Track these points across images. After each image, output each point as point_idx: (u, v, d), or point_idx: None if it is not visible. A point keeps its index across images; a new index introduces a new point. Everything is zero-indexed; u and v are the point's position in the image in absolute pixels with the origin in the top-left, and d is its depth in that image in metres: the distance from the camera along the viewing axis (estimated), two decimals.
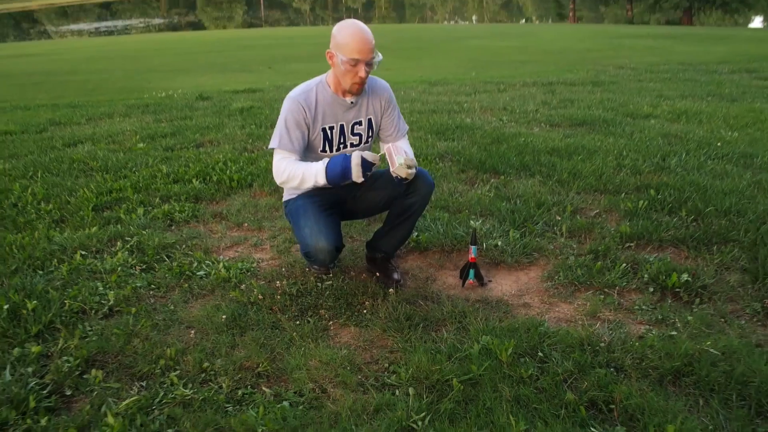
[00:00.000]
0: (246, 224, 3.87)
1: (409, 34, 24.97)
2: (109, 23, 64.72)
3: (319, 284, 3.02)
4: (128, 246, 3.47)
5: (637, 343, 2.42)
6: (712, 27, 33.97)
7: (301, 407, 2.13)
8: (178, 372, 2.34)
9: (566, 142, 5.35)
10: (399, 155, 2.65)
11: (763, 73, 10.45)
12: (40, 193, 4.38)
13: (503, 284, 3.06)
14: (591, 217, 3.76)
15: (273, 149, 2.83)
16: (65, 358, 2.42)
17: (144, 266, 3.25)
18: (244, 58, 16.42)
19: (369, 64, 2.73)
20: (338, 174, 2.67)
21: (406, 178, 2.69)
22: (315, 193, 2.96)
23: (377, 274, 3.09)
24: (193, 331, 2.62)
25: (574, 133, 5.79)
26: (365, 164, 2.61)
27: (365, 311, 2.77)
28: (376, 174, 2.98)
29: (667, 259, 3.14)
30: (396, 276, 3.06)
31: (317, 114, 2.85)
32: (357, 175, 2.63)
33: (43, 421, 2.06)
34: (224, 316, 2.70)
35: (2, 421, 2.08)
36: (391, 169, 2.68)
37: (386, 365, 2.37)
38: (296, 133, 2.81)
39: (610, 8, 48.63)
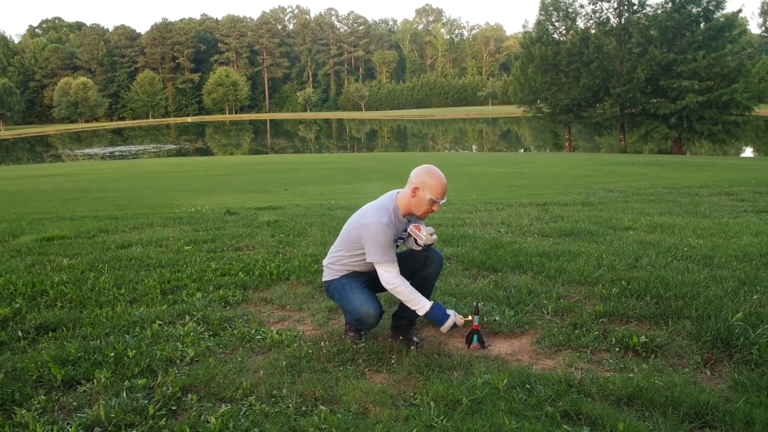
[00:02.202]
0: (288, 306, 4.68)
1: (413, 161, 26.44)
2: (123, 148, 67.56)
3: (355, 346, 3.81)
4: (195, 319, 4.28)
5: (602, 380, 3.19)
6: (699, 156, 35.72)
7: (351, 416, 2.89)
8: (254, 396, 3.10)
9: (555, 248, 6.22)
10: (422, 230, 3.73)
11: (740, 195, 11.43)
12: (111, 281, 5.21)
13: (500, 347, 3.84)
14: (572, 302, 4.56)
15: (379, 262, 3.68)
16: (165, 387, 3.19)
17: (211, 332, 4.05)
18: (260, 180, 17.63)
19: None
20: (435, 320, 3.68)
21: (431, 244, 3.76)
22: (354, 273, 3.89)
23: (400, 337, 3.89)
24: (261, 372, 3.40)
25: (562, 241, 6.67)
26: (455, 326, 3.67)
27: (393, 362, 3.55)
28: (402, 255, 3.88)
29: (632, 329, 3.93)
30: (416, 339, 3.86)
31: (396, 233, 3.74)
32: (445, 329, 3.66)
33: (162, 422, 2.82)
34: (284, 363, 3.48)
35: (130, 422, 2.84)
36: (419, 243, 3.75)
37: (412, 393, 3.14)
38: (393, 249, 3.70)
39: (605, 138, 50.93)
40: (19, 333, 4.01)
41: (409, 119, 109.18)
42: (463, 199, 11.48)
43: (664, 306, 4.32)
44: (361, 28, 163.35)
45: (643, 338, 3.71)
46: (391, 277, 3.66)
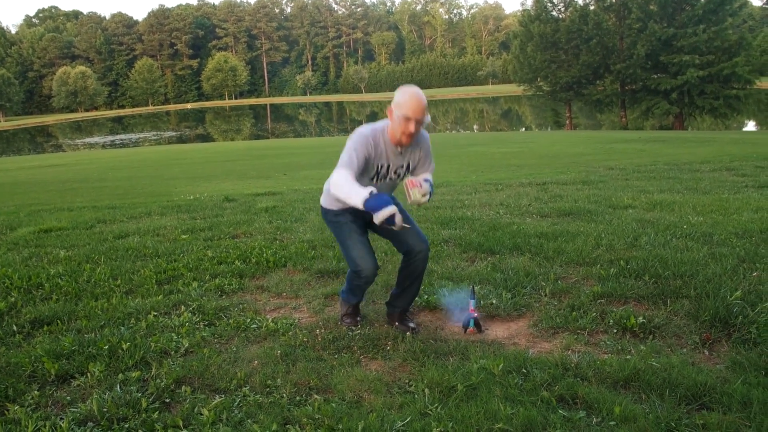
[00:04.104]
0: (285, 294, 4.65)
1: None
2: (123, 136, 67.54)
3: (350, 332, 3.78)
4: (191, 309, 4.25)
5: (599, 363, 3.16)
6: (701, 131, 35.54)
7: (345, 405, 2.87)
8: (248, 387, 3.08)
9: (553, 228, 6.18)
10: (414, 188, 3.42)
11: (741, 170, 11.36)
12: (107, 272, 5.19)
13: (497, 331, 3.82)
14: (570, 283, 4.53)
15: (338, 165, 3.46)
16: (159, 380, 3.16)
17: (207, 322, 4.03)
18: (259, 166, 17.58)
19: (419, 122, 3.43)
20: (371, 208, 3.25)
21: (419, 205, 3.51)
22: (351, 214, 3.75)
23: (396, 323, 3.86)
24: (255, 362, 3.37)
25: (561, 221, 6.62)
26: (390, 220, 3.26)
27: (389, 348, 3.52)
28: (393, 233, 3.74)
29: (630, 310, 3.90)
30: (412, 325, 3.83)
31: (378, 153, 3.55)
32: (378, 220, 3.24)
33: (155, 415, 2.80)
34: (279, 352, 3.45)
35: (122, 416, 2.82)
36: (408, 200, 3.47)
37: (407, 381, 3.11)
38: (361, 161, 3.45)
39: (606, 115, 50.70)
40: (14, 327, 3.99)
41: None
42: (462, 180, 11.43)
43: (662, 285, 4.28)
44: (359, 9, 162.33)
45: (641, 319, 3.67)
46: (336, 176, 3.43)
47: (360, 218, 3.79)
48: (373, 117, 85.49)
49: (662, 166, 12.80)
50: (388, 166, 3.64)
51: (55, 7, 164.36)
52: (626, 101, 43.93)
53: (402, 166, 3.70)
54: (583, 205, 7.39)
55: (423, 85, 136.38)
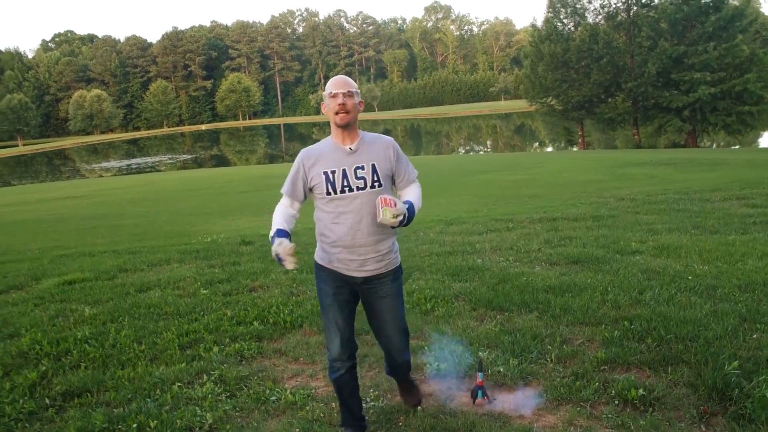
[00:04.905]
0: (302, 358, 4.86)
1: (427, 169, 26.59)
2: (139, 160, 68.43)
3: (364, 404, 3.98)
4: (212, 378, 4.48)
5: None
6: (711, 150, 35.48)
7: None
8: None
9: (561, 279, 6.36)
10: (386, 207, 3.14)
11: (752, 200, 11.48)
12: (131, 335, 5.43)
13: (504, 401, 4.00)
14: (576, 346, 4.71)
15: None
16: None
17: (228, 394, 4.24)
18: (273, 198, 17.80)
19: (348, 96, 3.26)
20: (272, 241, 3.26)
21: (392, 227, 3.26)
22: (337, 280, 3.47)
23: (399, 393, 4.01)
24: None
25: (569, 271, 6.80)
26: (278, 258, 3.21)
27: (401, 423, 3.72)
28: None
29: (631, 378, 4.07)
30: (417, 397, 3.96)
31: (318, 159, 3.34)
32: (273, 252, 3.21)
33: None
34: (297, 429, 3.66)
35: None
36: (378, 219, 3.19)
37: None
38: (292, 178, 3.40)
39: (619, 131, 50.72)
40: (47, 401, 4.23)
41: (423, 118, 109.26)
42: (473, 217, 11.61)
43: (664, 350, 4.45)
44: (370, 28, 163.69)
45: (641, 391, 3.84)
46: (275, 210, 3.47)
47: (345, 286, 3.49)
48: (386, 135, 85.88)
49: (672, 195, 12.92)
50: (344, 172, 3.33)
51: (71, 31, 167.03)
52: (638, 119, 44.00)
53: (362, 167, 3.35)
54: (591, 251, 7.56)
55: (435, 102, 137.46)
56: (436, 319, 5.51)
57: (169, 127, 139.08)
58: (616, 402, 3.83)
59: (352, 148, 3.36)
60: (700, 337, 4.59)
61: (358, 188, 3.33)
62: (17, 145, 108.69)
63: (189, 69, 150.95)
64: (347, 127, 3.33)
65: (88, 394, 4.30)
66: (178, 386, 4.37)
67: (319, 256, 3.55)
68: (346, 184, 3.32)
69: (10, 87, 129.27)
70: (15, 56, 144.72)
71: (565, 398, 3.93)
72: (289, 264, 3.16)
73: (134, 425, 3.76)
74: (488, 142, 67.87)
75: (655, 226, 9.24)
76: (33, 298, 7.01)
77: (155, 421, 3.78)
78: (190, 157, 70.20)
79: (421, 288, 6.38)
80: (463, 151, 61.40)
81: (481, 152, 59.29)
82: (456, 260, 7.57)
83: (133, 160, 68.66)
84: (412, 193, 3.55)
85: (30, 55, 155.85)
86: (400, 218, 3.17)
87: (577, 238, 8.56)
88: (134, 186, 27.77)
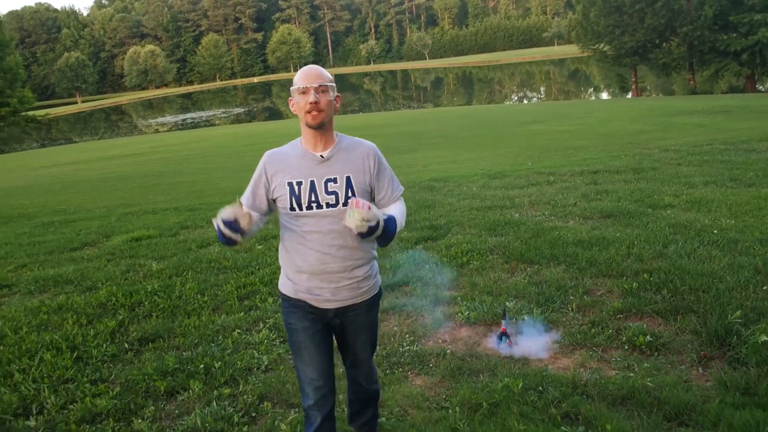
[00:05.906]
0: None
1: (474, 120, 26.75)
2: (194, 114, 69.79)
3: (401, 349, 4.50)
4: (267, 326, 5.06)
5: (604, 381, 3.79)
6: None
7: (393, 420, 3.60)
8: None
9: (591, 234, 6.72)
10: (356, 209, 2.59)
11: None
12: (195, 288, 6.04)
13: (525, 346, 4.47)
14: (596, 296, 5.13)
15: None
16: (246, 396, 3.96)
17: (281, 339, 4.81)
18: None
19: (322, 90, 2.73)
20: (219, 235, 2.69)
21: (361, 233, 2.62)
22: (309, 313, 2.93)
23: None
24: None
25: (600, 225, 7.15)
26: (223, 235, 2.66)
27: (431, 365, 4.24)
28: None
29: (643, 326, 4.49)
30: None
31: (284, 166, 2.82)
32: (216, 227, 2.65)
33: (245, 429, 3.60)
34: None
35: (220, 429, 3.63)
36: (344, 221, 2.65)
37: (444, 396, 3.82)
38: (257, 190, 2.87)
39: (675, 77, 49.51)
40: (126, 345, 4.87)
41: (474, 65, 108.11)
42: (517, 170, 11.93)
43: (677, 300, 4.84)
44: None
45: (648, 338, 4.26)
46: None
47: (318, 320, 2.95)
48: (438, 83, 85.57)
49: (719, 145, 12.96)
50: (312, 184, 2.78)
51: None
52: (694, 64, 42.87)
53: (334, 180, 2.79)
54: (624, 205, 7.87)
55: (487, 49, 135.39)
56: (470, 272, 5.97)
57: (221, 80, 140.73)
58: (626, 347, 4.26)
59: (324, 155, 2.81)
60: (712, 289, 4.95)
61: (328, 205, 2.78)
62: (76, 102, 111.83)
63: (240, 21, 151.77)
64: (320, 128, 2.77)
65: (161, 340, 4.93)
66: (238, 333, 4.95)
67: (283, 285, 3.02)
68: (313, 199, 2.77)
69: (67, 45, 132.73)
70: (71, 14, 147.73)
71: (579, 343, 4.38)
72: (243, 221, 2.62)
73: (201, 366, 4.36)
74: (541, 89, 67.04)
75: (693, 179, 9.45)
76: (105, 254, 7.71)
77: (219, 363, 4.38)
78: (243, 110, 71.29)
79: (459, 242, 6.83)
80: (516, 98, 60.90)
81: (534, 99, 58.72)
82: (494, 215, 7.98)
83: (188, 115, 70.08)
84: (395, 209, 2.93)
85: (85, 13, 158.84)
86: (371, 224, 2.61)
87: (614, 192, 8.85)
88: (190, 141, 28.69)
